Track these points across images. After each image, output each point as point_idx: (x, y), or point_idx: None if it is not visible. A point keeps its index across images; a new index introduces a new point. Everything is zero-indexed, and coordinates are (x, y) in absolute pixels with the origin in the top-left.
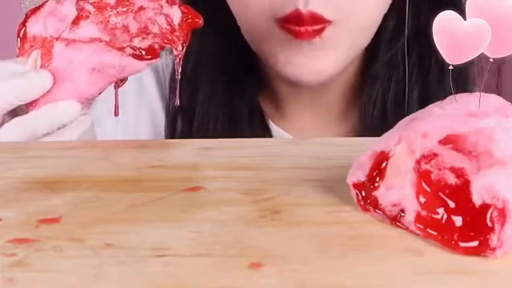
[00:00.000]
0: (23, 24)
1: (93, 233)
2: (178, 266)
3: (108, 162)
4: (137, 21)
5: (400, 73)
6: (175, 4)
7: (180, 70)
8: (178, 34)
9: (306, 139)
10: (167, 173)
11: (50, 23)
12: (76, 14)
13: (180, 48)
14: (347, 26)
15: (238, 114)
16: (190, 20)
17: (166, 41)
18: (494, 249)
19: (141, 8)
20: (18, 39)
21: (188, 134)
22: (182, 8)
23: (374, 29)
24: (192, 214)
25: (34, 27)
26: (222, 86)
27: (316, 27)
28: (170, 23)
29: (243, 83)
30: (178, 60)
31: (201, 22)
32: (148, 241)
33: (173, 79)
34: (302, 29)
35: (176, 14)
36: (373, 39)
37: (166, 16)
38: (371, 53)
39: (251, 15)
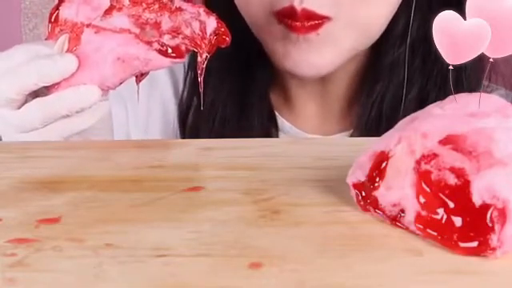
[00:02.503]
0: (56, 8)
1: (93, 233)
2: (178, 266)
3: (108, 162)
4: (171, 20)
5: (400, 76)
6: (213, 15)
7: (201, 80)
8: (206, 42)
9: (306, 139)
10: (167, 173)
11: (83, 10)
12: (109, 4)
13: (204, 56)
14: (348, 23)
15: (247, 104)
16: (219, 35)
17: (193, 44)
18: (494, 249)
19: (179, 9)
20: (49, 24)
21: (198, 123)
22: (218, 21)
23: (380, 28)
24: (192, 213)
25: (67, 11)
26: (233, 76)
27: (311, 23)
28: (202, 30)
29: (255, 75)
30: (200, 70)
31: (228, 40)
32: (148, 241)
33: (188, 70)
34: (298, 24)
35: (211, 24)
36: (381, 39)
37: (201, 23)
38: (377, 53)
39: (252, 8)
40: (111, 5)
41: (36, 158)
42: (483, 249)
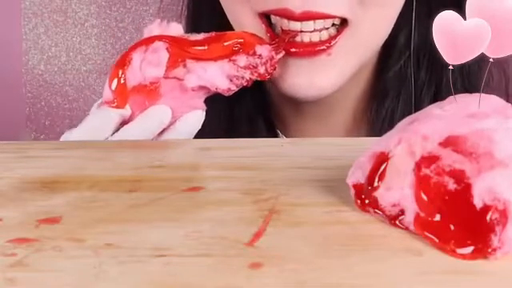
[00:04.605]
0: (117, 71)
1: (93, 233)
2: (178, 266)
3: (108, 162)
4: (249, 60)
5: (409, 89)
6: (266, 44)
7: None
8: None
9: (306, 139)
10: (167, 173)
11: (147, 71)
12: (168, 56)
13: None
14: (359, 27)
15: (235, 130)
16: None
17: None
18: (494, 250)
19: (259, 56)
20: (113, 89)
21: None
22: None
23: (386, 33)
24: (192, 213)
25: (132, 79)
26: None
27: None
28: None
29: (242, 97)
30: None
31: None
32: (148, 241)
33: None
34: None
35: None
36: (383, 56)
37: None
38: (380, 69)
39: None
40: (171, 58)
41: (36, 158)
42: (480, 255)
